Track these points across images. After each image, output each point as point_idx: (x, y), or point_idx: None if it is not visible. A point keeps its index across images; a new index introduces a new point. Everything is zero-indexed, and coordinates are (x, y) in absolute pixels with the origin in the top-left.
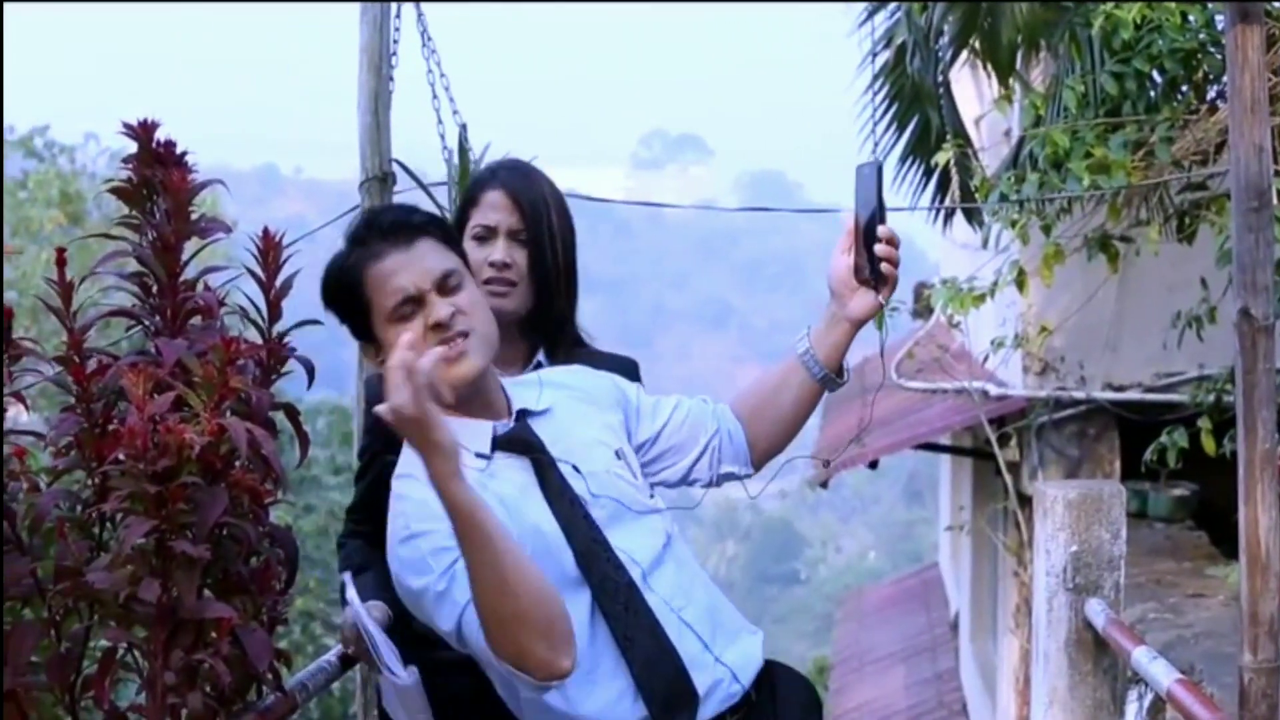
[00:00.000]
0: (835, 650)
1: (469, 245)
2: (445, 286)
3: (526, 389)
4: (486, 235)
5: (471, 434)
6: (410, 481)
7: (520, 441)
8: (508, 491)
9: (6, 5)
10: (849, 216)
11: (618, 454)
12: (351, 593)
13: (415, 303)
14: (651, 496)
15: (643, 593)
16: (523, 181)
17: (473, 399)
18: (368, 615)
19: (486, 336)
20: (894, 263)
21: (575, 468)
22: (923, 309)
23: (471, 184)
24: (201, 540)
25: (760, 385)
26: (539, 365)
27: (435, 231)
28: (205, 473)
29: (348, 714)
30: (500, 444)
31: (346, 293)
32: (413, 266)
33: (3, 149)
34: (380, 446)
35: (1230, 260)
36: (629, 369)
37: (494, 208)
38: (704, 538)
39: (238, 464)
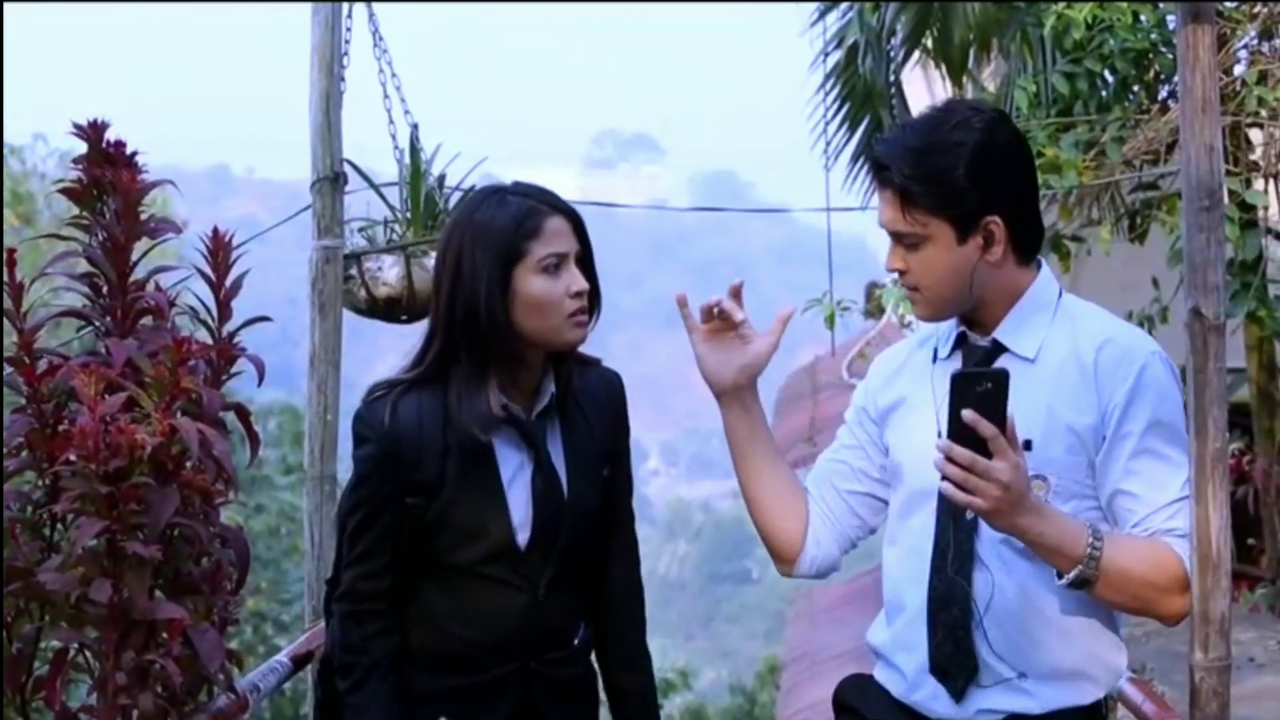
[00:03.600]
0: (787, 649)
1: (535, 279)
2: (902, 242)
3: (1037, 325)
4: (559, 264)
5: (948, 330)
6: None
7: (965, 356)
8: (923, 392)
9: (7, 5)
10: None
11: (1027, 444)
12: None
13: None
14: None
15: (974, 563)
16: (568, 205)
17: (965, 312)
18: None
19: (932, 299)
20: (951, 479)
21: None
22: (874, 309)
23: (522, 213)
24: (153, 541)
25: None
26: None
27: (897, 192)
28: (157, 473)
29: (299, 714)
30: (960, 347)
31: None
32: (880, 212)
33: (3, 149)
34: (391, 491)
35: (1181, 260)
36: (614, 384)
37: (560, 235)
38: (656, 537)
39: (189, 464)
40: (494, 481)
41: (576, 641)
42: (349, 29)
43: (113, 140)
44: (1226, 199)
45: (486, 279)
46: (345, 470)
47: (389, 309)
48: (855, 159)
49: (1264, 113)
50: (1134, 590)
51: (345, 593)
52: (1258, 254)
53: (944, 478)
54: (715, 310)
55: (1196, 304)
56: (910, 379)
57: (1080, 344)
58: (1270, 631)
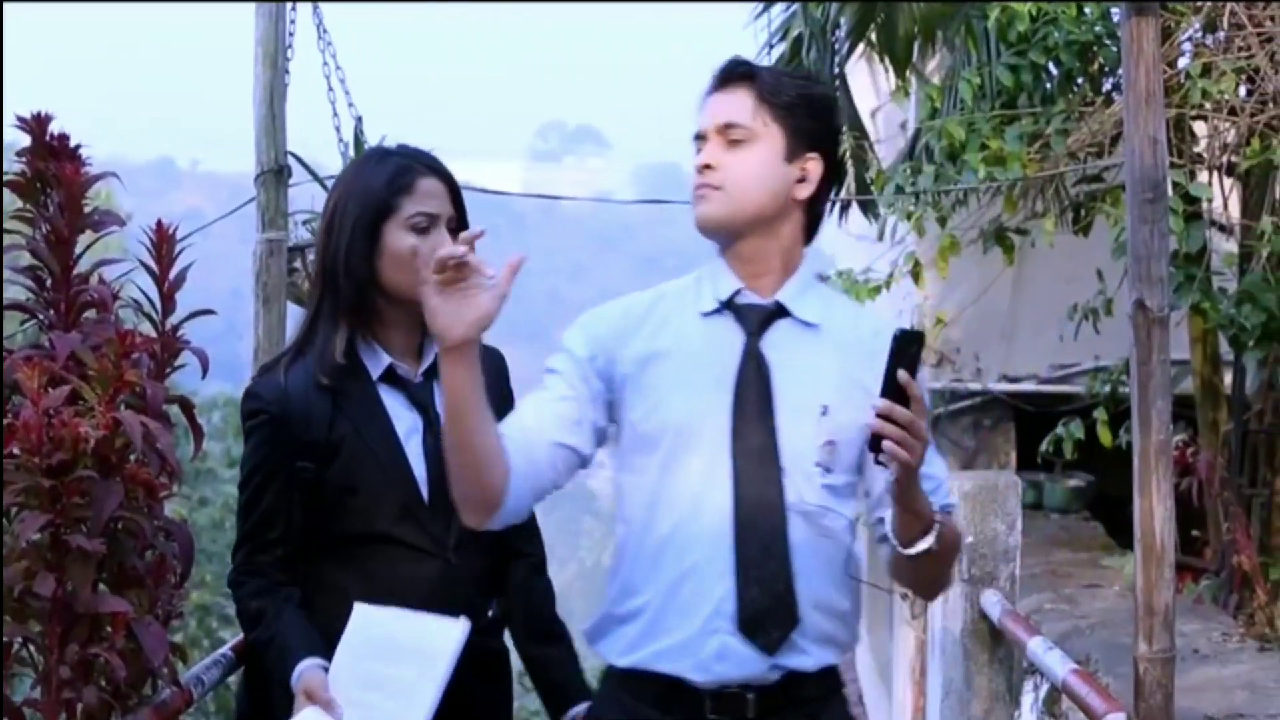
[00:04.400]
0: None
1: (404, 235)
2: (726, 135)
3: (815, 297)
4: (429, 225)
5: (711, 286)
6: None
7: (742, 315)
8: (697, 350)
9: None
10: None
11: (823, 409)
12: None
13: (701, 140)
14: (820, 467)
15: (788, 517)
16: (447, 170)
17: (734, 257)
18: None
19: (735, 198)
20: (891, 438)
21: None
22: None
23: (396, 171)
24: (96, 534)
25: None
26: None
27: (757, 85)
28: (100, 466)
29: None
30: (730, 306)
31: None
32: (713, 108)
33: (2, 145)
34: (282, 456)
35: (1125, 252)
36: (497, 360)
37: (433, 196)
38: (600, 529)
39: (133, 458)
40: (391, 438)
41: (491, 613)
42: (293, 22)
43: (56, 133)
44: (1170, 191)
45: (352, 229)
46: None
47: None
48: None
49: (1208, 105)
50: (948, 562)
51: (240, 566)
52: (1202, 246)
53: (880, 436)
54: (453, 261)
55: (1141, 296)
56: (671, 332)
57: (857, 325)
58: (1214, 623)
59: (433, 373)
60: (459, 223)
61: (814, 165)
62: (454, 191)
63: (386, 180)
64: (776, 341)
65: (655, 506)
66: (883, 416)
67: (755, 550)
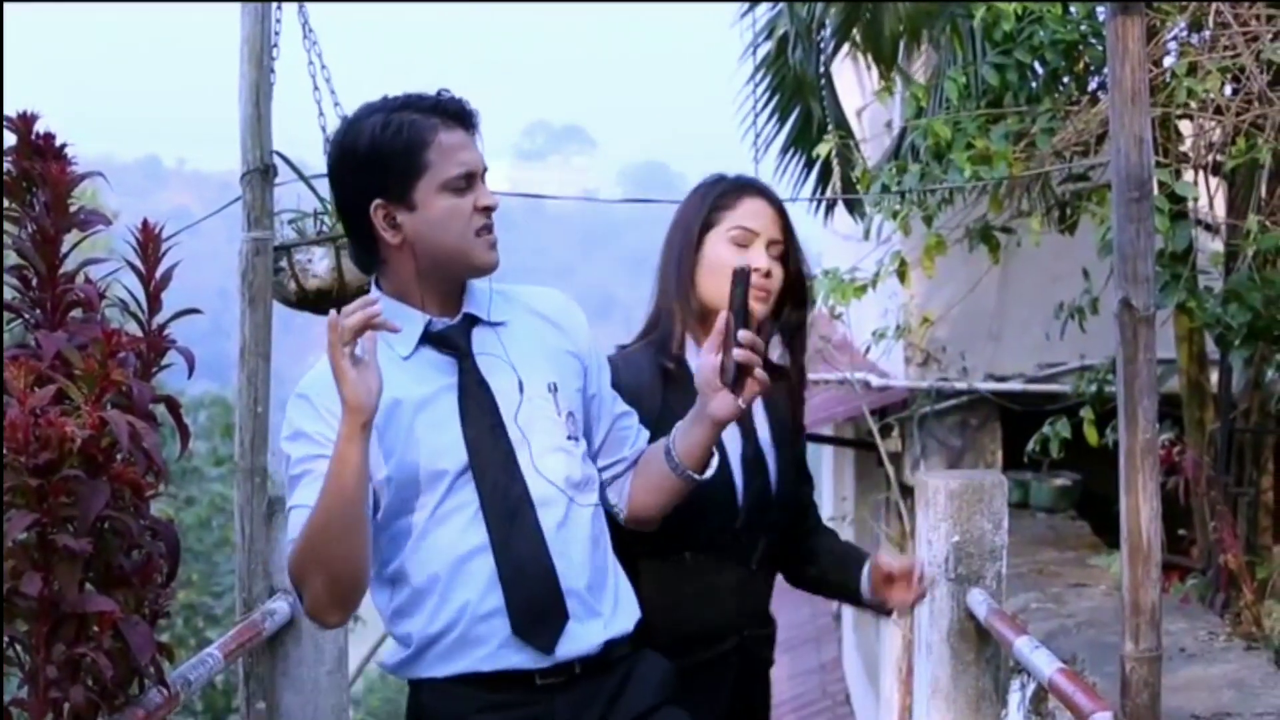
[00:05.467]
0: None
1: (720, 246)
2: (483, 179)
3: (487, 299)
4: (747, 241)
5: (404, 324)
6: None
7: (449, 342)
8: (420, 392)
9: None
10: (722, 316)
11: (550, 387)
12: None
13: (471, 180)
14: (572, 439)
15: (536, 510)
16: (776, 196)
17: (451, 290)
18: None
19: None
20: (753, 366)
21: (521, 383)
22: None
23: (724, 190)
24: (83, 534)
25: (645, 453)
26: None
27: (477, 132)
28: (87, 466)
29: (230, 706)
30: (430, 339)
31: (402, 149)
32: (475, 149)
33: (2, 142)
34: None
35: (1111, 251)
36: None
37: (756, 215)
38: None
39: (119, 457)
40: (721, 445)
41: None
42: (279, 20)
43: (42, 132)
44: (1156, 190)
45: (683, 239)
46: (277, 463)
47: (318, 301)
48: (784, 150)
49: (1194, 104)
50: None
51: None
52: (1188, 245)
53: (745, 366)
54: (366, 321)
55: (1127, 295)
56: (389, 383)
57: (528, 304)
58: (1201, 622)
59: None
60: (787, 250)
61: None
62: (781, 215)
63: (714, 196)
64: (482, 349)
65: (427, 546)
66: (749, 347)
67: (515, 558)
